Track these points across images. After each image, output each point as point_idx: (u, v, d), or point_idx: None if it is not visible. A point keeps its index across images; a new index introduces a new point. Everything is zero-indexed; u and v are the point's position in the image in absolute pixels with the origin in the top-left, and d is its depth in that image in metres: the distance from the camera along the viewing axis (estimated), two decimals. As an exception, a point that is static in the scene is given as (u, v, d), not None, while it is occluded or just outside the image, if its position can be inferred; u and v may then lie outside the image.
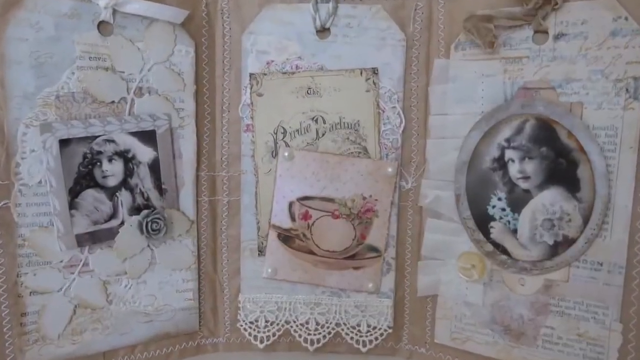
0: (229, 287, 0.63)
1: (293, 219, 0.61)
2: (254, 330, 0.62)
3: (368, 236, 0.61)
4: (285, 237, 0.61)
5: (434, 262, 0.61)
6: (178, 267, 0.60)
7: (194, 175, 0.60)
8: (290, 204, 0.60)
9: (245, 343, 0.63)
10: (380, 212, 0.60)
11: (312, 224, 0.60)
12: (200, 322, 0.63)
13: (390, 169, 0.60)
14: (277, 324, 0.62)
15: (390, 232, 0.61)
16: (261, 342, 0.62)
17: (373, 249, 0.61)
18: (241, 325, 0.63)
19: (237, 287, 0.63)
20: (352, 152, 0.60)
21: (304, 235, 0.61)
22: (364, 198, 0.60)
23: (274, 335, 0.62)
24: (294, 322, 0.62)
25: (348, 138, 0.60)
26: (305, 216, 0.60)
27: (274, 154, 0.60)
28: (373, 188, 0.60)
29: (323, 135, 0.60)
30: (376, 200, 0.60)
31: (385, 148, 0.60)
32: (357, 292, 0.62)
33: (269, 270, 0.61)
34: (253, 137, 0.60)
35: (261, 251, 0.62)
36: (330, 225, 0.60)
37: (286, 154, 0.59)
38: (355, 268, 0.61)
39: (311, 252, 0.61)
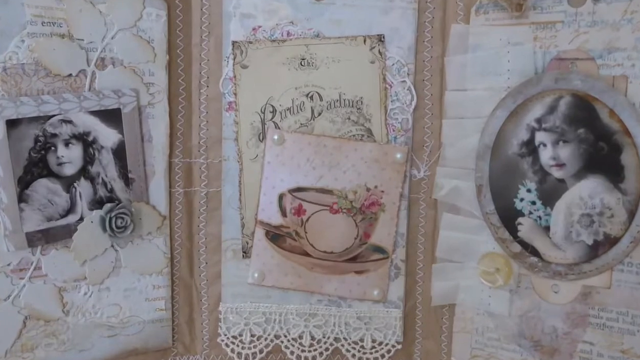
0: (207, 295, 0.64)
1: (284, 214, 0.61)
2: (238, 346, 0.63)
3: (373, 234, 0.61)
4: (275, 236, 0.62)
5: (450, 265, 0.62)
6: (147, 271, 0.61)
7: (166, 163, 0.61)
8: (281, 197, 0.61)
9: (225, 363, 0.64)
10: (387, 206, 0.61)
11: (307, 220, 0.61)
12: (173, 336, 0.63)
13: (399, 155, 0.60)
14: (265, 339, 0.63)
15: (399, 230, 0.62)
16: (246, 360, 0.63)
17: (379, 249, 0.62)
18: (222, 341, 0.63)
19: (218, 294, 0.63)
20: (353, 135, 0.61)
21: (297, 233, 0.61)
22: (368, 189, 0.61)
23: (261, 352, 0.63)
24: (285, 336, 0.63)
25: (349, 118, 0.61)
26: (299, 211, 0.61)
27: (261, 137, 0.61)
28: (379, 177, 0.60)
29: (319, 114, 0.61)
30: (382, 191, 0.61)
31: (393, 130, 0.61)
32: (360, 300, 0.62)
33: (255, 275, 0.62)
34: (236, 117, 0.61)
35: (246, 252, 0.62)
36: (328, 221, 0.60)
37: (276, 137, 0.60)
38: (358, 272, 0.62)
39: (305, 254, 0.61)
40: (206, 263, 0.64)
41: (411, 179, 0.62)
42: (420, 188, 0.62)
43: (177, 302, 0.63)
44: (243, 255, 0.62)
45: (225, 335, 0.63)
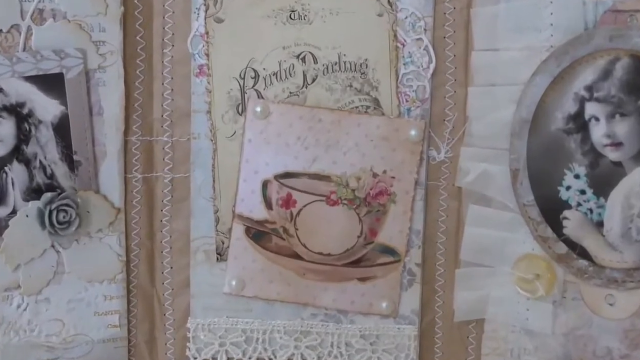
0: (173, 308, 0.64)
1: (269, 206, 0.61)
2: None
3: (380, 232, 0.61)
4: (258, 234, 0.61)
5: (478, 270, 0.62)
6: (97, 278, 0.61)
7: (120, 141, 0.61)
8: (265, 184, 0.61)
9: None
10: (398, 196, 0.61)
11: (298, 214, 0.61)
12: (130, 358, 0.63)
13: (413, 132, 0.60)
14: None
15: (413, 226, 0.62)
16: (222, 390, 0.63)
17: (388, 250, 0.62)
18: None
19: (186, 307, 0.64)
20: (356, 107, 0.61)
21: (286, 230, 0.61)
22: (375, 175, 0.61)
23: None
24: (270, 359, 0.64)
25: (351, 85, 0.61)
26: (287, 202, 0.60)
27: (240, 110, 0.61)
28: (388, 160, 0.60)
29: (313, 81, 0.61)
30: (393, 178, 0.61)
31: (407, 100, 0.61)
32: (364, 315, 0.63)
33: (233, 283, 0.62)
34: (209, 84, 0.61)
35: (221, 254, 0.62)
36: (325, 215, 0.60)
37: (258, 109, 0.60)
38: (362, 279, 0.62)
39: (296, 256, 0.62)
40: (171, 268, 0.64)
41: (429, 162, 0.62)
42: (441, 173, 0.62)
43: (135, 317, 0.63)
44: (217, 258, 0.62)
45: (195, 358, 0.63)
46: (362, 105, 0.61)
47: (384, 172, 0.61)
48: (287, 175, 0.61)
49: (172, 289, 0.64)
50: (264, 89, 0.61)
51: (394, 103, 0.61)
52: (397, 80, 0.60)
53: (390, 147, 0.61)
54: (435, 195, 0.63)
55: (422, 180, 0.62)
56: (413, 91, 0.61)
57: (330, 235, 0.61)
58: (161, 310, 0.64)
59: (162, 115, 0.63)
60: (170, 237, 0.64)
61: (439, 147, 0.62)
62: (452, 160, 0.62)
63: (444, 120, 0.62)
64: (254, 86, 0.61)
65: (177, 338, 0.64)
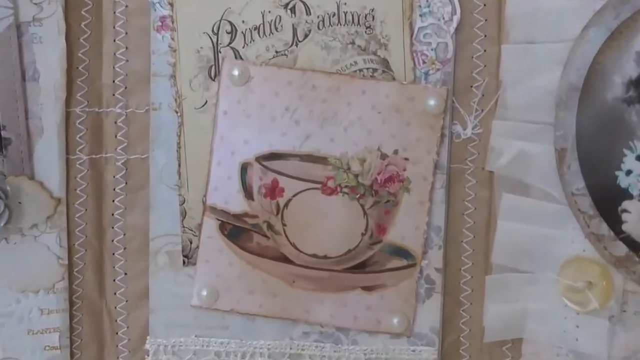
0: (128, 325, 0.63)
1: (249, 195, 0.60)
2: None
3: (391, 228, 0.60)
4: (235, 231, 0.61)
5: (515, 277, 0.61)
6: (32, 288, 0.60)
7: (61, 113, 0.60)
8: (244, 168, 0.60)
9: None
10: (414, 183, 0.60)
11: (286, 206, 0.60)
12: None
13: (432, 101, 0.59)
14: None
15: (432, 221, 0.61)
16: None
17: (401, 252, 0.61)
18: None
19: (144, 324, 0.63)
20: (360, 70, 0.60)
21: (271, 226, 0.60)
22: (384, 156, 0.59)
23: None
24: None
25: (353, 42, 0.59)
26: (273, 191, 0.59)
27: (213, 73, 0.60)
28: (401, 138, 0.59)
29: (305, 37, 0.60)
30: (406, 160, 0.59)
31: (424, 61, 0.60)
32: (370, 334, 0.61)
33: (204, 294, 0.61)
34: (173, 40, 0.60)
35: (189, 257, 0.62)
36: (320, 207, 0.60)
37: (236, 72, 0.59)
38: (368, 289, 0.61)
39: (284, 259, 0.61)
40: (125, 274, 0.63)
41: (452, 140, 0.61)
42: (467, 154, 0.61)
43: (80, 337, 0.63)
44: (184, 262, 0.62)
45: None
46: (367, 68, 0.60)
47: (395, 152, 0.60)
48: (273, 156, 0.60)
49: (127, 301, 0.63)
50: (243, 48, 0.60)
51: (408, 65, 0.59)
52: (411, 36, 0.59)
53: (403, 120, 0.59)
54: (461, 181, 0.62)
55: (444, 163, 0.61)
56: (432, 50, 0.60)
57: (326, 233, 0.60)
58: (112, 328, 0.64)
59: (113, 81, 0.62)
60: (124, 235, 0.63)
61: (465, 121, 0.61)
62: (482, 138, 0.61)
63: (471, 86, 0.60)
64: (230, 43, 0.60)
65: None
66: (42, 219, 0.60)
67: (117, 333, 0.64)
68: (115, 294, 0.64)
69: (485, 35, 0.60)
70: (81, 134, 0.62)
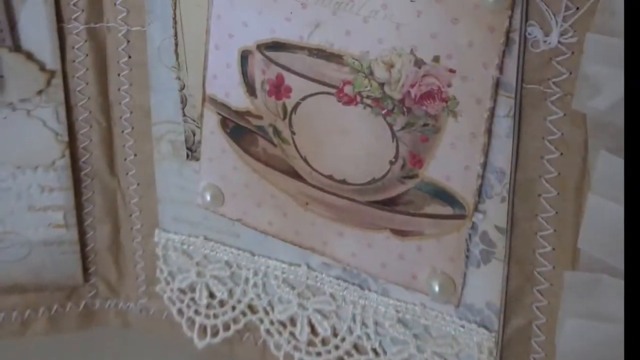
0: (140, 209, 0.60)
1: (251, 90, 0.52)
2: (189, 307, 0.59)
3: (430, 160, 0.48)
4: (237, 129, 0.53)
5: (610, 280, 0.45)
6: (28, 164, 0.58)
7: None
8: (245, 56, 0.51)
9: (175, 326, 0.60)
10: (463, 105, 0.46)
11: (294, 110, 0.50)
12: (87, 268, 0.61)
13: None
14: (233, 308, 0.58)
15: (492, 161, 0.47)
16: (201, 335, 0.59)
17: (444, 195, 0.49)
18: (164, 292, 0.60)
19: (154, 209, 0.59)
20: None
21: (277, 132, 0.52)
22: (420, 63, 0.46)
23: (226, 328, 0.58)
24: (267, 312, 0.58)
25: None
26: (278, 88, 0.50)
27: None
28: (444, 38, 0.45)
29: None
30: (452, 72, 0.45)
31: None
32: (405, 288, 0.52)
33: (207, 196, 0.55)
34: None
35: (192, 150, 0.56)
36: (336, 118, 0.49)
37: None
38: (399, 233, 0.51)
39: (294, 174, 0.53)
40: (135, 155, 0.58)
41: (527, 49, 0.45)
42: (551, 72, 0.45)
43: (92, 214, 0.60)
44: (188, 155, 0.56)
45: (168, 283, 0.60)
46: None
47: (436, 59, 0.45)
48: (276, 45, 0.49)
49: (138, 184, 0.59)
50: None
51: None
52: None
53: (448, 15, 0.44)
54: (539, 111, 0.46)
55: (511, 82, 0.45)
56: None
57: (345, 152, 0.50)
58: (127, 210, 0.60)
59: None
60: (132, 113, 0.58)
61: (548, 23, 0.44)
62: (576, 50, 0.43)
63: None
64: None
65: (147, 250, 0.60)
66: (32, 93, 0.55)
67: (130, 216, 0.60)
68: (127, 174, 0.59)
69: None
70: (76, 0, 0.54)
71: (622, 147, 0.45)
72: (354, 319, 0.55)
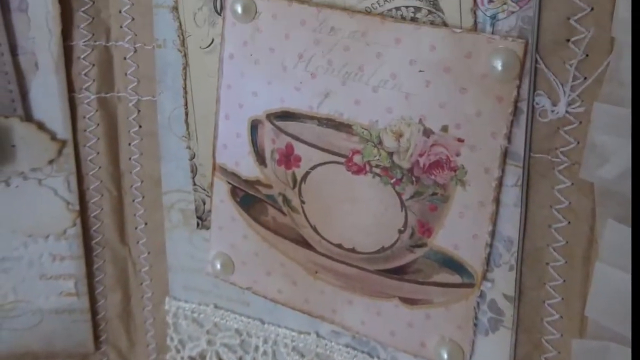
0: (151, 278, 0.60)
1: (261, 160, 0.51)
2: None
3: (439, 230, 0.48)
4: (247, 198, 0.52)
5: (620, 349, 0.45)
6: (40, 232, 0.57)
7: (57, 48, 0.54)
8: (255, 126, 0.51)
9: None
10: (472, 175, 0.46)
11: (304, 179, 0.49)
12: (98, 336, 0.61)
13: (501, 59, 0.43)
14: None
15: (501, 230, 0.47)
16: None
17: (453, 264, 0.48)
18: None
19: (166, 279, 0.59)
20: (397, 8, 0.45)
21: (287, 201, 0.51)
22: (429, 132, 0.45)
23: None
24: None
25: None
26: (288, 158, 0.49)
27: (218, 6, 0.50)
28: (453, 108, 0.45)
29: None
30: (461, 141, 0.45)
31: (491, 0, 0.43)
32: (414, 356, 0.51)
33: (218, 266, 0.55)
34: None
35: (202, 219, 0.55)
36: (345, 187, 0.48)
37: (239, 6, 0.48)
38: (408, 301, 0.50)
39: (304, 243, 0.52)
40: (145, 224, 0.58)
41: (535, 118, 0.44)
42: (558, 141, 0.45)
43: (103, 283, 0.59)
44: (198, 224, 0.55)
45: (178, 351, 0.59)
46: (406, 7, 0.44)
47: (444, 129, 0.44)
48: (286, 115, 0.49)
49: (149, 253, 0.59)
50: None
51: (465, 4, 0.43)
52: None
53: (456, 85, 0.44)
54: (547, 180, 0.46)
55: (519, 151, 0.45)
56: None
57: (354, 221, 0.49)
58: (137, 279, 0.59)
59: (120, 11, 0.54)
60: (142, 182, 0.57)
61: (556, 92, 0.43)
62: (583, 120, 0.43)
63: (568, 40, 0.42)
64: None
65: (158, 318, 0.60)
66: (43, 162, 0.55)
67: (141, 284, 0.59)
68: (138, 243, 0.58)
69: (590, -47, 0.42)
70: (87, 70, 0.55)
71: (629, 216, 0.45)
72: (363, 386, 0.53)
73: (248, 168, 0.51)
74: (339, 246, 0.51)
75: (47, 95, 0.55)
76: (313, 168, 0.50)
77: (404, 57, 0.45)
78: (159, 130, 0.56)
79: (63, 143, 0.55)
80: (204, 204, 0.54)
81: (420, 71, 0.45)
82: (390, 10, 0.45)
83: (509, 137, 0.45)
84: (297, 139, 0.49)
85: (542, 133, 0.46)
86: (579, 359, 0.48)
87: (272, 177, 0.51)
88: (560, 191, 0.47)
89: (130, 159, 0.57)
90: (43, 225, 0.57)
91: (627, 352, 0.46)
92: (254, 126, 0.51)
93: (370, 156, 0.47)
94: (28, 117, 0.55)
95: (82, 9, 0.55)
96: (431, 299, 0.50)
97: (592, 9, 0.42)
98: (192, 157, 0.54)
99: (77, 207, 0.57)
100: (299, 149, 0.49)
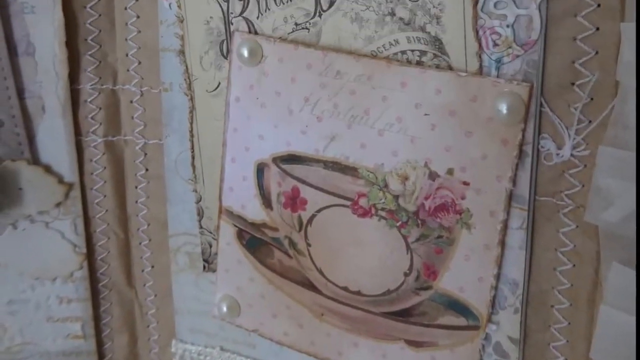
0: (157, 320, 0.59)
1: (267, 203, 0.51)
2: None
3: (444, 272, 0.47)
4: (253, 241, 0.52)
5: None
6: (46, 275, 0.57)
7: (64, 92, 0.54)
8: (261, 169, 0.51)
9: None
10: (477, 218, 0.46)
11: (309, 222, 0.49)
12: None
13: (506, 103, 0.43)
14: None
15: (506, 273, 0.47)
16: None
17: (458, 306, 0.48)
18: None
19: (171, 320, 0.58)
20: (403, 52, 0.44)
21: (293, 244, 0.51)
22: (434, 176, 0.45)
23: None
24: None
25: (393, 13, 0.44)
26: (294, 201, 0.49)
27: (224, 50, 0.49)
28: (458, 152, 0.45)
29: (331, 5, 0.46)
30: (466, 184, 0.44)
31: (496, 43, 0.43)
32: None
33: (224, 308, 0.54)
34: (180, 8, 0.50)
35: (209, 262, 0.55)
36: (351, 230, 0.48)
37: (245, 50, 0.47)
38: (414, 344, 0.49)
39: (310, 286, 0.51)
40: (152, 267, 0.57)
41: (540, 162, 0.44)
42: (563, 184, 0.45)
43: (109, 325, 0.58)
44: (204, 267, 0.54)
45: None
46: (412, 50, 0.44)
47: (450, 172, 0.44)
48: (292, 158, 0.49)
49: (155, 295, 0.59)
50: (258, 18, 0.47)
51: (470, 48, 0.43)
52: (476, 4, 0.42)
53: (462, 129, 0.44)
54: (552, 223, 0.45)
55: (524, 194, 0.44)
56: (507, 26, 0.42)
57: (360, 264, 0.49)
58: (144, 321, 0.58)
59: (126, 54, 0.53)
60: (149, 225, 0.56)
61: (561, 136, 0.43)
62: (588, 163, 0.43)
63: (573, 84, 0.42)
64: (242, 12, 0.47)
65: (164, 359, 0.59)
66: (51, 206, 0.54)
67: (147, 327, 0.58)
68: (144, 285, 0.58)
69: (599, 5, 0.41)
70: (93, 113, 0.55)
71: (634, 259, 0.44)
72: None
73: (254, 211, 0.50)
74: (345, 289, 0.50)
75: (54, 139, 0.55)
76: (319, 211, 0.49)
77: (409, 100, 0.45)
78: (165, 173, 0.55)
79: (70, 186, 0.55)
80: (210, 246, 0.54)
81: (426, 114, 0.44)
82: (396, 53, 0.45)
83: (514, 180, 0.45)
84: (303, 182, 0.49)
85: (547, 176, 0.45)
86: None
87: (278, 220, 0.50)
88: (565, 234, 0.46)
89: (137, 201, 0.57)
90: (50, 267, 0.57)
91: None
92: (260, 169, 0.51)
93: (375, 199, 0.47)
94: (35, 160, 0.54)
95: (89, 52, 0.54)
96: (437, 342, 0.49)
97: (596, 52, 0.42)
98: (199, 200, 0.53)
99: (84, 250, 0.57)
100: (305, 192, 0.49)
